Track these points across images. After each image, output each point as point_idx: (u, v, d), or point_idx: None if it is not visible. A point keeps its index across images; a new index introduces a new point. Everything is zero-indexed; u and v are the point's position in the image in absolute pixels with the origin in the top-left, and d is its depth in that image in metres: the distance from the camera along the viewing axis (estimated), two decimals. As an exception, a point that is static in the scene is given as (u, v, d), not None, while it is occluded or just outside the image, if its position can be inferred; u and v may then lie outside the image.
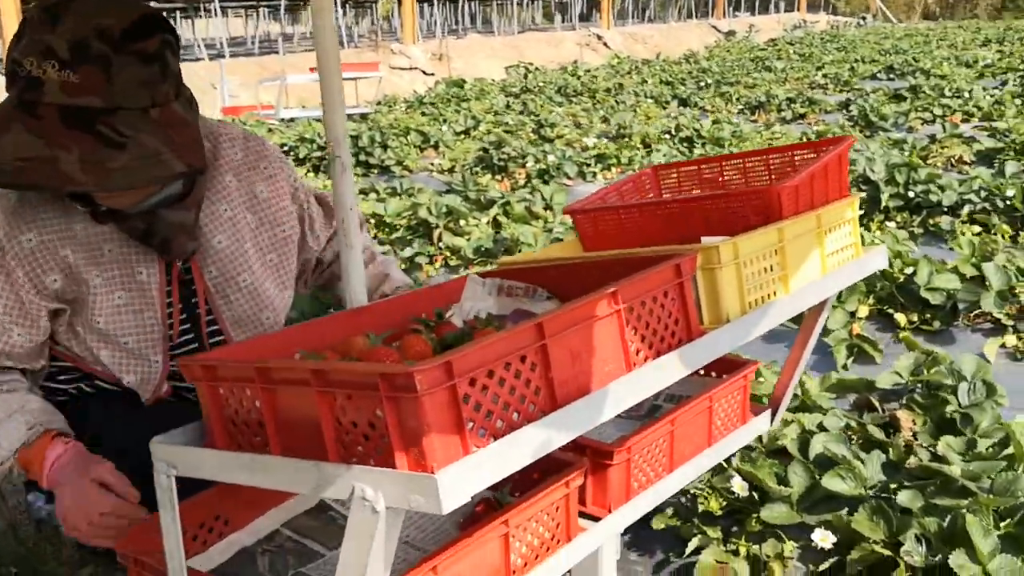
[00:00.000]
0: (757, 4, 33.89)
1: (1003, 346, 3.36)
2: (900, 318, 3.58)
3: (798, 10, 34.19)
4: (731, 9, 31.49)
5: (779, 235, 1.67)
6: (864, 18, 34.38)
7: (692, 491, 2.35)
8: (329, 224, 2.18)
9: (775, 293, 1.65)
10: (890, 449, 2.42)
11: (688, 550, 2.20)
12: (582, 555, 1.55)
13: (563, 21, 26.30)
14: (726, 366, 2.03)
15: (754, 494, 2.30)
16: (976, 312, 3.55)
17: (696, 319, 1.44)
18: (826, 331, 3.43)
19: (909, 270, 3.70)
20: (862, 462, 2.34)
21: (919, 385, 2.83)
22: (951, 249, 4.39)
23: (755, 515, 2.24)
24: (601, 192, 2.11)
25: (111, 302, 1.82)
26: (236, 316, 1.95)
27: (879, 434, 2.54)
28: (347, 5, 20.97)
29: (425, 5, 22.41)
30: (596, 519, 1.63)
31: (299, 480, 1.08)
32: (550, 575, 1.50)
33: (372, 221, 5.32)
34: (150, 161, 1.59)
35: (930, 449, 2.44)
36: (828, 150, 1.89)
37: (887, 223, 4.95)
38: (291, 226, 2.05)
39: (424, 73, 17.38)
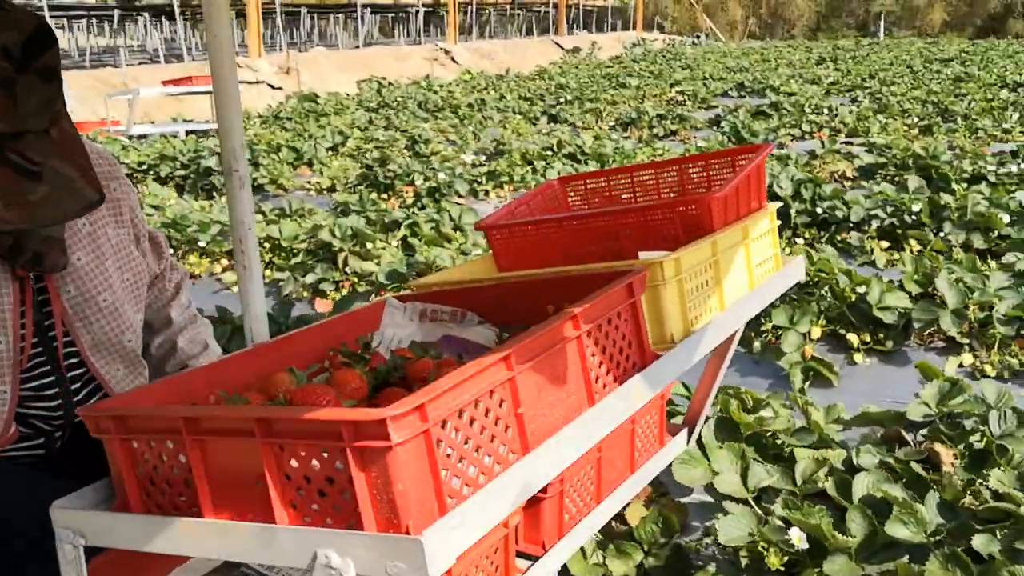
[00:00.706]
0: (594, 22, 34.73)
1: (960, 365, 3.35)
2: (852, 338, 3.51)
3: (635, 28, 35.25)
4: (570, 27, 32.12)
5: (712, 248, 1.60)
6: (698, 37, 35.68)
7: (737, 546, 2.16)
8: (158, 265, 2.01)
9: (712, 309, 1.59)
10: (939, 487, 2.26)
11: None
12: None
13: (406, 36, 26.24)
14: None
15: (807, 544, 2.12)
16: (929, 331, 3.52)
17: (648, 341, 1.35)
18: (779, 353, 3.36)
19: (861, 289, 3.63)
20: (918, 503, 2.14)
21: (944, 416, 2.68)
22: (861, 264, 4.42)
23: (816, 569, 2.06)
24: (510, 206, 2.00)
25: None
26: (96, 339, 1.77)
27: (920, 470, 2.37)
28: (181, 17, 20.22)
29: (266, 19, 21.90)
30: (532, 558, 1.53)
31: (242, 546, 0.93)
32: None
33: (267, 245, 5.04)
34: (67, 191, 1.47)
35: (984, 486, 2.27)
36: (749, 158, 1.84)
37: (796, 239, 4.98)
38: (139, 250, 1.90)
39: (271, 87, 16.99)
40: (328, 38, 25.00)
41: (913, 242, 4.68)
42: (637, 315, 1.32)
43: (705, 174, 1.99)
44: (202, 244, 5.15)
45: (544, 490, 1.51)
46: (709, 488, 2.36)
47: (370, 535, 0.85)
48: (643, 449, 1.83)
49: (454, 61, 22.93)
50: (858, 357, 3.42)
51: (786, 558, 2.09)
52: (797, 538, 2.09)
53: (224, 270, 5.00)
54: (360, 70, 19.47)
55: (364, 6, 24.81)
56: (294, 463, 0.93)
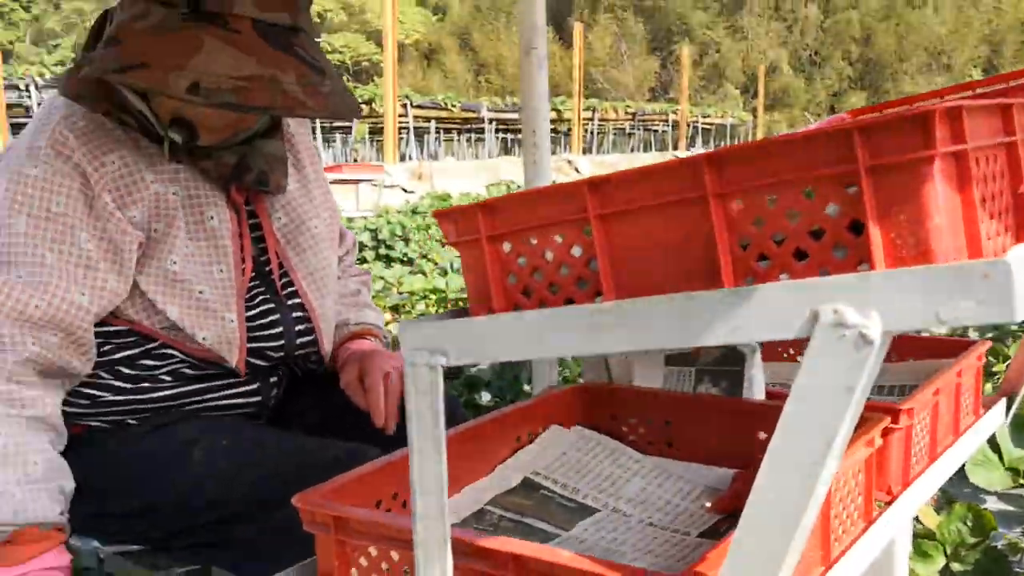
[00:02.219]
0: (712, 139, 34.83)
1: None
2: None
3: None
4: (691, 142, 32.28)
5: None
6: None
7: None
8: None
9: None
10: None
11: None
12: (882, 543, 1.19)
13: (517, 153, 26.74)
14: (947, 348, 1.71)
15: None
16: None
17: None
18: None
19: None
20: None
21: None
22: None
23: None
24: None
25: (183, 248, 1.53)
26: (309, 268, 1.69)
27: None
28: (320, 130, 21.09)
29: (400, 132, 22.63)
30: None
31: (684, 324, 0.72)
32: (862, 561, 1.13)
33: (432, 297, 4.94)
34: (345, 90, 1.45)
35: None
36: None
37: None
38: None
39: (404, 191, 17.39)
40: (456, 154, 25.62)
41: None
42: None
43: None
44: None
45: (896, 419, 1.27)
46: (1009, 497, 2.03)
47: (921, 270, 0.63)
48: (966, 411, 1.57)
49: (577, 171, 23.19)
50: None
51: None
52: None
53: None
54: (488, 177, 19.80)
55: (491, 120, 25.47)
56: (753, 216, 0.72)
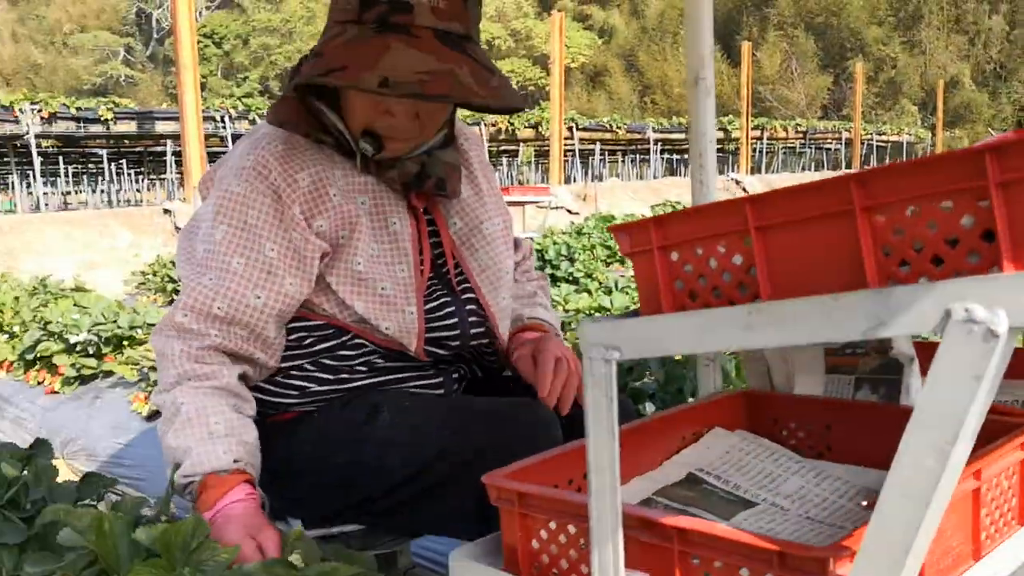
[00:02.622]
0: (888, 158, 33.55)
1: None
2: None
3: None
4: (864, 160, 31.25)
5: None
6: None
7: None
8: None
9: None
10: None
11: None
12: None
13: (683, 173, 26.53)
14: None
15: None
16: None
17: None
18: None
19: None
20: None
21: None
22: None
23: None
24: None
25: (367, 251, 1.74)
26: (482, 265, 1.87)
27: None
28: (487, 153, 21.65)
29: (565, 155, 22.90)
30: None
31: (829, 321, 0.82)
32: (1013, 559, 1.19)
33: (596, 315, 5.10)
34: (510, 85, 1.65)
35: None
36: None
37: None
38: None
39: (569, 212, 17.60)
40: (621, 175, 25.72)
41: None
42: None
43: None
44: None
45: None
46: None
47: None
48: None
49: (744, 191, 22.90)
50: None
51: None
52: None
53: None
54: (652, 197, 19.81)
55: (656, 141, 25.45)
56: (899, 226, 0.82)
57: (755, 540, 0.95)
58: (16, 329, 5.57)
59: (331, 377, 1.78)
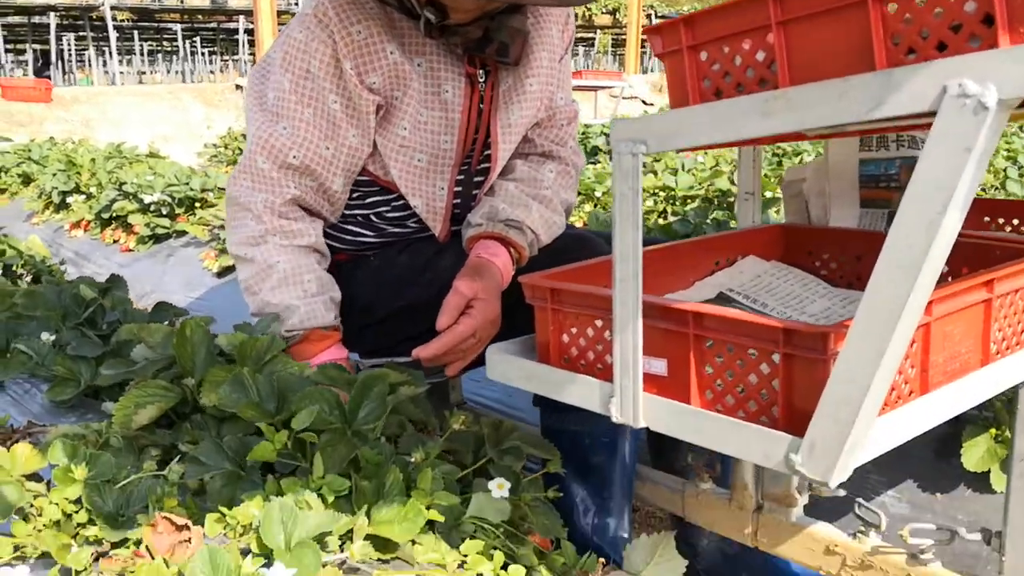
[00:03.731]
0: None
1: None
2: None
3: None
4: None
5: None
6: None
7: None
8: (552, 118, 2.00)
9: None
10: None
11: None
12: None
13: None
14: None
15: None
16: None
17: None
18: None
19: None
20: None
21: None
22: None
23: None
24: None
25: (415, 116, 1.75)
26: (510, 120, 1.85)
27: None
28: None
29: (643, 45, 22.40)
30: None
31: (839, 103, 0.88)
32: (1017, 370, 1.25)
33: (661, 194, 5.11)
34: None
35: None
36: None
37: None
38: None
39: (644, 103, 17.36)
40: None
41: None
42: None
43: None
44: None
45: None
46: None
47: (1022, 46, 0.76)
48: None
49: None
50: None
51: None
52: None
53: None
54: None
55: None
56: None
57: (763, 320, 1.02)
58: (93, 190, 5.76)
59: (385, 228, 1.87)
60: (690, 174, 5.38)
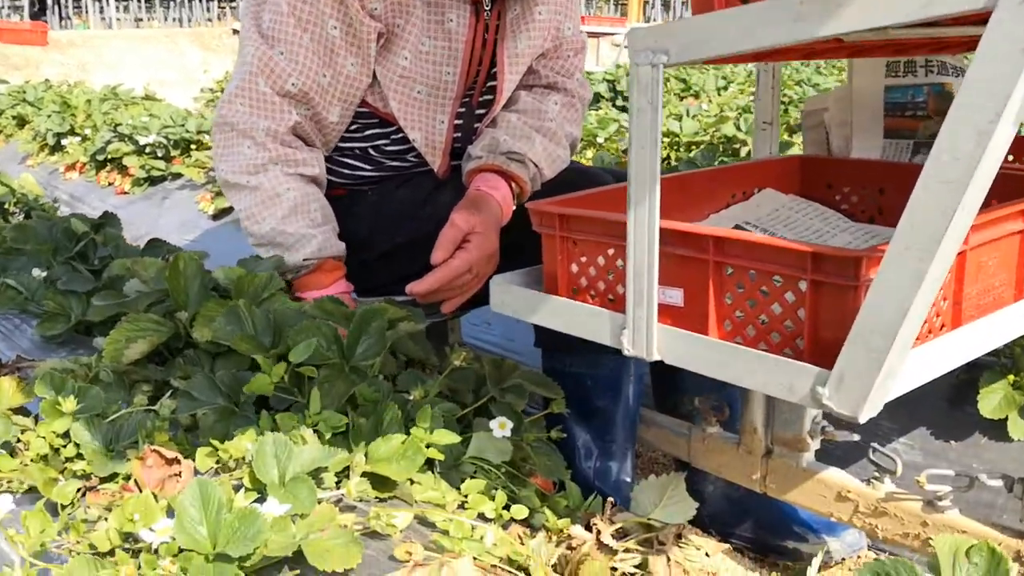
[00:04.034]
0: None
1: None
2: None
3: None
4: None
5: None
6: None
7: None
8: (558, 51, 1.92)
9: None
10: None
11: None
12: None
13: None
14: None
15: None
16: None
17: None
18: None
19: None
20: None
21: None
22: None
23: None
24: None
25: (417, 45, 1.67)
26: (518, 50, 1.78)
27: None
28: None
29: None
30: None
31: (884, 3, 0.80)
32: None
33: (665, 140, 5.03)
34: None
35: None
36: None
37: None
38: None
39: (644, 52, 17.16)
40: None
41: None
42: None
43: None
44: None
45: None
46: None
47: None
48: None
49: None
50: None
51: None
52: None
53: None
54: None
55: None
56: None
57: (790, 244, 0.96)
58: (88, 132, 5.68)
59: (383, 161, 1.81)
60: (695, 120, 5.28)
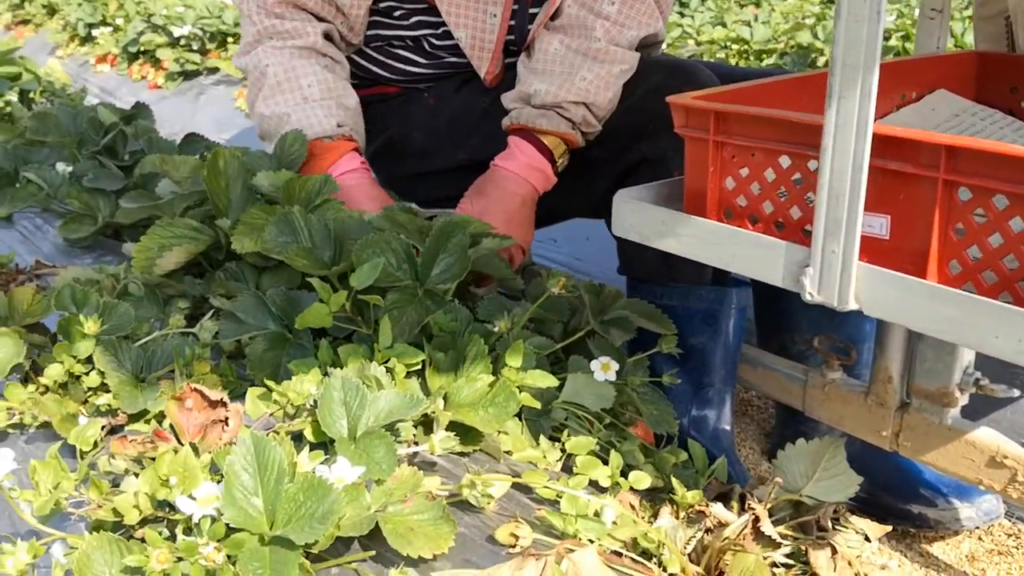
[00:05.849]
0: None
1: None
2: None
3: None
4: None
5: None
6: None
7: None
8: None
9: None
10: None
11: None
12: None
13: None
14: None
15: None
16: None
17: None
18: None
19: None
20: None
21: None
22: None
23: None
24: None
25: None
26: None
27: None
28: None
29: None
30: None
31: None
32: None
33: (733, 47, 4.69)
34: None
35: None
36: None
37: None
38: None
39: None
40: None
41: None
42: None
43: None
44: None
45: None
46: None
47: None
48: None
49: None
50: None
51: None
52: None
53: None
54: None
55: None
56: None
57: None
58: (119, 21, 5.42)
59: (443, 56, 1.59)
60: (766, 26, 4.93)
